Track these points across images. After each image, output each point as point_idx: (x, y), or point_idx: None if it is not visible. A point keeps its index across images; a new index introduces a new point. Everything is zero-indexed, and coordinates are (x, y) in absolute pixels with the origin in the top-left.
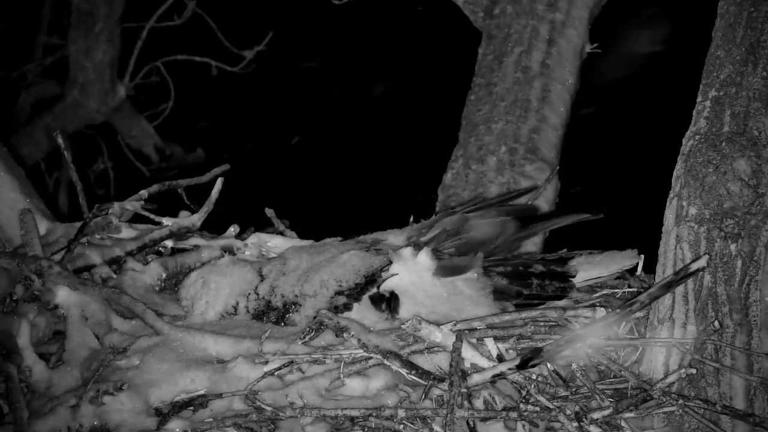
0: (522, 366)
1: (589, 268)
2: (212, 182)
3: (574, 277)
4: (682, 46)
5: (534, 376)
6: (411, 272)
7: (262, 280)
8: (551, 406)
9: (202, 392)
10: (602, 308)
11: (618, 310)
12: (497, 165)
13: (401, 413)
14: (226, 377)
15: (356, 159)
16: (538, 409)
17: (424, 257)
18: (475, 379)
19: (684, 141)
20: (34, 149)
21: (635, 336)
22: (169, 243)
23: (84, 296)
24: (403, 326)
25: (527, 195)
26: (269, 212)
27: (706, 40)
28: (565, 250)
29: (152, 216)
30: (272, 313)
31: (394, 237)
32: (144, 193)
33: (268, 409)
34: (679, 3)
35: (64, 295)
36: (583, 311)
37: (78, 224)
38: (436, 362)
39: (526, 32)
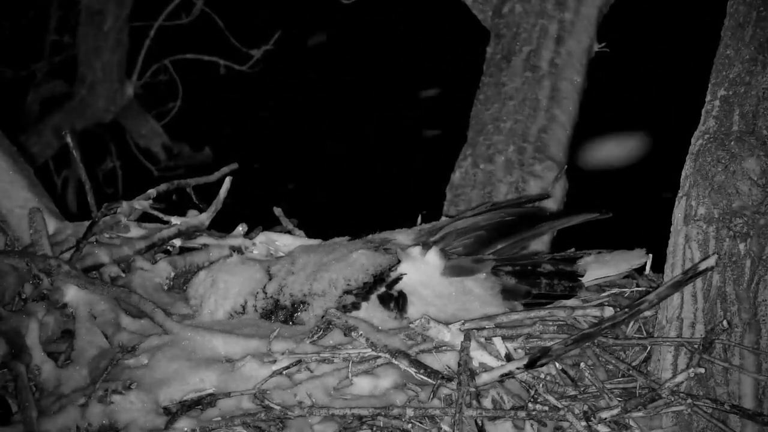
0: (530, 365)
1: (598, 268)
2: (220, 181)
3: (582, 276)
4: (691, 45)
5: (542, 376)
6: (419, 271)
7: (270, 279)
8: (560, 406)
9: (210, 391)
10: (611, 307)
11: (626, 310)
12: (506, 164)
13: (410, 412)
14: (235, 376)
15: (364, 158)
16: (546, 408)
17: (433, 256)
18: (484, 378)
19: (693, 140)
20: (43, 148)
21: (644, 335)
22: (177, 242)
23: (93, 295)
24: (411, 325)
25: (536, 202)
26: (277, 211)
27: (715, 39)
28: (573, 249)
29: (161, 215)
30: (281, 312)
31: (402, 236)
32: (153, 192)
33: (277, 408)
34: (688, 2)
35: (72, 294)
36: (592, 310)
37: (87, 223)
38: (445, 361)
39: (535, 31)
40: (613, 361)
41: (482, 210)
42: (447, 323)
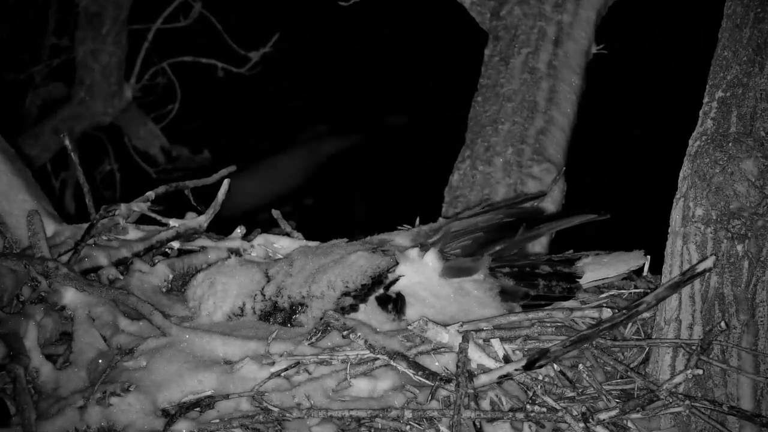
0: (529, 367)
1: (596, 269)
2: (219, 183)
3: (580, 278)
4: (688, 46)
5: (541, 377)
6: (418, 273)
7: (268, 281)
8: (558, 407)
9: (209, 393)
10: (609, 309)
11: (624, 311)
12: (504, 166)
13: (408, 414)
14: (234, 378)
15: (362, 160)
16: (544, 409)
17: (431, 258)
18: (482, 379)
19: (691, 142)
20: (41, 151)
21: (642, 337)
22: (176, 244)
23: (91, 297)
24: (409, 327)
25: (534, 200)
26: (276, 213)
27: (713, 41)
28: (571, 251)
29: (159, 217)
30: (279, 314)
31: (401, 238)
32: (151, 194)
33: (275, 410)
34: (685, 4)
35: (71, 297)
36: (590, 312)
37: (85, 225)
38: (443, 363)
39: (534, 33)
40: (612, 363)
41: (480, 211)
42: (445, 325)
